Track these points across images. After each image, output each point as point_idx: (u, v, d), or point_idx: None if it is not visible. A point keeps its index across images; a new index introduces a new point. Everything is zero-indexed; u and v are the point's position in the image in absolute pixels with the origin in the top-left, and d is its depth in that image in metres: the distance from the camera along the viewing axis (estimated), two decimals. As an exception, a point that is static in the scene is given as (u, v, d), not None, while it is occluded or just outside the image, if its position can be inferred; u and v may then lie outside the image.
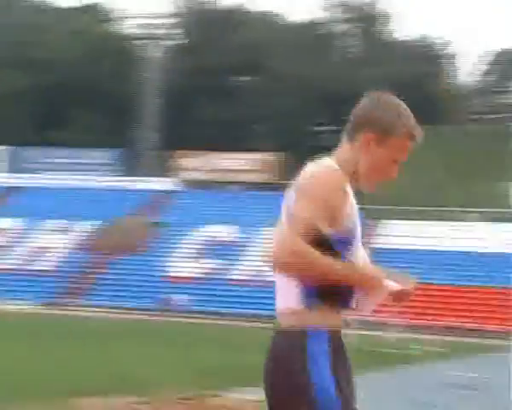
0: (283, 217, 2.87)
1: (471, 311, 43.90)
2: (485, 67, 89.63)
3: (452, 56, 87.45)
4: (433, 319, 43.01)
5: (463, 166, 69.42)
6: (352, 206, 2.86)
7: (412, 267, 47.83)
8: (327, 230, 2.76)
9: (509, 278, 45.16)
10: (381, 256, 48.34)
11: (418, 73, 77.48)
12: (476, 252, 49.38)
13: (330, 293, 2.81)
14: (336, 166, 2.87)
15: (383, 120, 2.87)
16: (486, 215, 54.73)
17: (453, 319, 42.96)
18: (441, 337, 33.71)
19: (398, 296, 2.89)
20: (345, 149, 2.95)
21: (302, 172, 2.89)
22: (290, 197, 2.87)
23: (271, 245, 2.76)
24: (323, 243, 2.76)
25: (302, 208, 2.76)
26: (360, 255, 2.91)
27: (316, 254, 2.70)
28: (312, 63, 72.46)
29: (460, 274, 47.84)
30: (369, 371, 16.64)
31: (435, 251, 49.71)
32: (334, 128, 79.92)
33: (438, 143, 73.46)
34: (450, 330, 40.45)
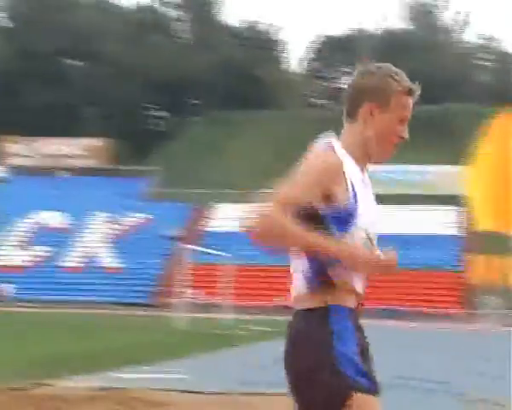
0: None
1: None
2: (313, 54, 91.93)
3: (283, 42, 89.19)
4: (263, 300, 43.95)
5: (295, 151, 71.25)
6: (354, 187, 2.86)
7: (241, 250, 48.90)
8: (316, 204, 2.79)
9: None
10: (212, 239, 49.11)
11: (249, 58, 78.48)
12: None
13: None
14: (334, 148, 2.88)
15: (379, 86, 2.88)
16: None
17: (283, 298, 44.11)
18: (272, 317, 34.44)
19: (385, 269, 2.86)
20: (349, 131, 2.95)
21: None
22: None
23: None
24: (314, 218, 2.79)
25: (290, 183, 2.80)
26: (361, 237, 2.88)
27: (289, 221, 2.70)
28: (143, 48, 71.84)
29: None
30: (198, 352, 16.86)
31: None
32: (165, 114, 79.90)
33: (268, 128, 75.10)
34: (281, 309, 41.48)
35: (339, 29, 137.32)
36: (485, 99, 67.44)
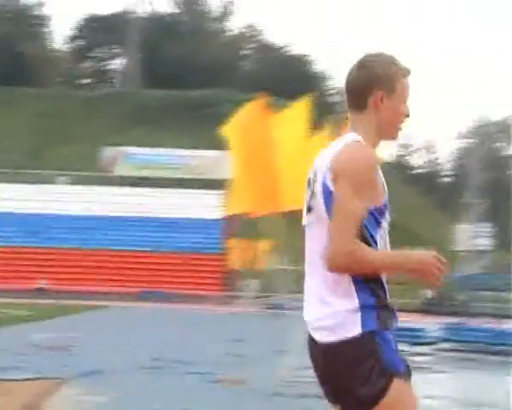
0: (319, 202, 2.89)
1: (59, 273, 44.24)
2: (79, 32, 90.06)
3: (47, 18, 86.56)
4: (21, 283, 42.64)
5: (59, 129, 69.44)
6: (381, 175, 2.93)
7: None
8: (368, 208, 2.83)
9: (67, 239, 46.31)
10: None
11: (11, 33, 75.46)
12: (69, 215, 49.83)
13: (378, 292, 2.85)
14: (364, 142, 2.89)
15: (384, 74, 2.97)
16: (78, 178, 55.44)
17: (45, 281, 43.10)
18: (32, 301, 33.63)
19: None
20: (360, 121, 2.99)
21: (333, 151, 2.89)
22: (324, 180, 2.87)
23: (326, 244, 2.77)
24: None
25: (350, 200, 2.77)
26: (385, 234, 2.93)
27: (370, 252, 2.76)
28: None
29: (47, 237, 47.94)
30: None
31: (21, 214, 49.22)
32: None
33: (31, 106, 72.68)
34: (40, 293, 40.54)
35: (105, 9, 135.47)
36: (248, 86, 69.55)
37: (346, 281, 2.82)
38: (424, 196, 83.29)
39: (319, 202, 2.89)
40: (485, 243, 55.86)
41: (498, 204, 70.37)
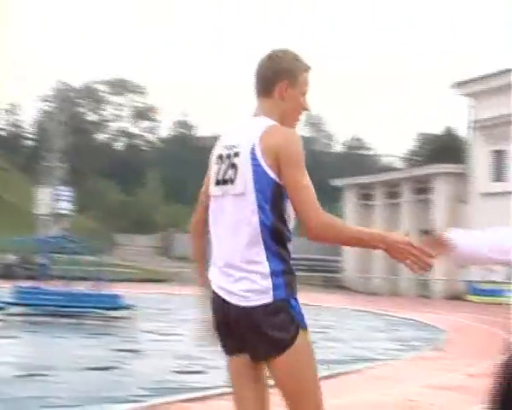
0: (244, 176, 3.21)
1: None
2: None
3: None
4: None
5: None
6: None
7: None
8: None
9: None
10: None
11: None
12: None
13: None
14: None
15: (289, 67, 3.37)
16: None
17: None
18: None
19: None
20: (267, 107, 3.37)
21: (257, 132, 3.23)
22: (253, 157, 3.20)
23: (305, 218, 3.15)
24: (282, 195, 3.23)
25: (303, 177, 3.19)
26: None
27: (342, 223, 3.21)
28: None
29: None
30: None
31: None
32: None
33: None
34: None
35: None
36: None
37: (259, 248, 3.19)
38: (7, 158, 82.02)
39: (245, 176, 3.21)
40: (65, 206, 56.72)
41: (79, 168, 72.04)
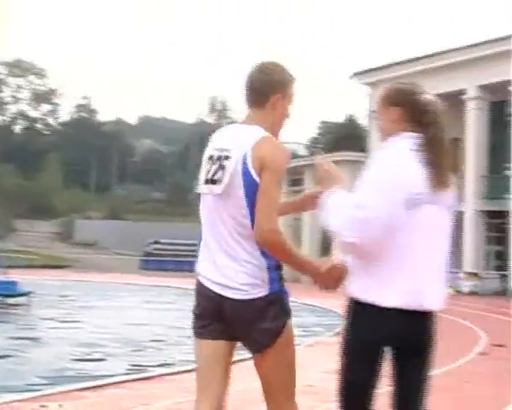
0: (234, 180, 3.38)
1: None
2: None
3: None
4: None
5: None
6: None
7: None
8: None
9: None
10: None
11: None
12: None
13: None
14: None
15: (282, 80, 3.56)
16: None
17: None
18: None
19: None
20: (259, 118, 3.53)
21: (250, 140, 3.39)
22: (245, 164, 3.37)
23: (256, 223, 3.33)
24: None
25: (275, 188, 3.38)
26: None
27: (289, 242, 3.40)
28: None
29: None
30: None
31: None
32: None
33: None
34: None
35: None
36: None
37: (254, 244, 3.39)
38: None
39: (234, 179, 3.39)
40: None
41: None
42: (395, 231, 3.20)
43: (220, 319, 3.46)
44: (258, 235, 3.33)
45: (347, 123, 79.38)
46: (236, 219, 3.40)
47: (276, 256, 3.42)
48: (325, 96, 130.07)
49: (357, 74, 43.20)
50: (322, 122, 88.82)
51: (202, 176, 3.52)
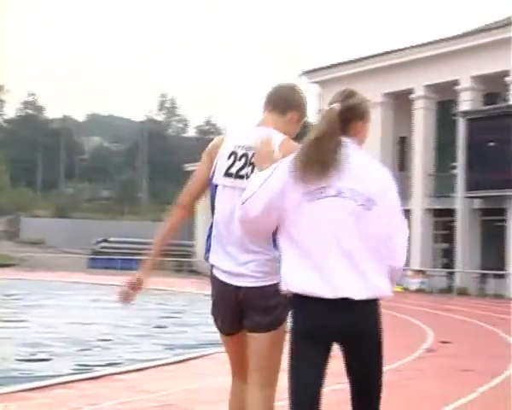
0: None
1: None
2: None
3: None
4: None
5: None
6: None
7: None
8: None
9: None
10: None
11: None
12: None
13: None
14: None
15: (304, 104, 3.93)
16: None
17: None
18: None
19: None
20: (277, 122, 3.84)
21: (283, 144, 3.68)
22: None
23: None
24: None
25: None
26: None
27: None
28: None
29: None
30: None
31: None
32: None
33: None
34: None
35: None
36: None
37: (266, 235, 3.56)
38: None
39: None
40: None
41: None
42: (284, 220, 3.31)
43: (235, 308, 3.73)
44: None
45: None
46: None
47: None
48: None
49: (306, 73, 43.30)
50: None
51: (222, 169, 3.75)
